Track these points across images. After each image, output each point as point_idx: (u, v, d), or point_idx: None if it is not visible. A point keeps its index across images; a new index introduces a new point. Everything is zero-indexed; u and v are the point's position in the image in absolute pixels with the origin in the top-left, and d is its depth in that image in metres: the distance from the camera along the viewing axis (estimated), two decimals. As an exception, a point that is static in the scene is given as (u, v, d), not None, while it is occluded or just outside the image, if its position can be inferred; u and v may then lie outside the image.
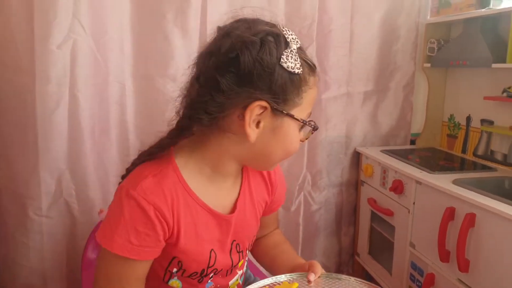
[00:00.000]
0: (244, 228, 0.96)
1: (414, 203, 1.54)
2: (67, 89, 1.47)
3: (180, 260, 0.88)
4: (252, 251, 1.12)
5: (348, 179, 2.02)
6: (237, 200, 0.94)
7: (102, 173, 1.59)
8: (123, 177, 0.90)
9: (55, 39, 1.42)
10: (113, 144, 1.60)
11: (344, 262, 2.09)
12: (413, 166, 1.61)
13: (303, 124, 0.85)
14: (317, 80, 0.88)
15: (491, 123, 1.73)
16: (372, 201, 1.83)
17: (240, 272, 1.02)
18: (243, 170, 0.97)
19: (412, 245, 1.56)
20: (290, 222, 1.92)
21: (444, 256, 1.35)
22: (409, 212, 1.56)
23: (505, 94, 1.57)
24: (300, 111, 0.83)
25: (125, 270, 0.84)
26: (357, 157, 2.00)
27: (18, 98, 1.45)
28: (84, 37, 1.47)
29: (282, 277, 0.91)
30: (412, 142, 2.07)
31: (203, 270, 0.92)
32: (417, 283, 1.53)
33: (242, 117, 0.79)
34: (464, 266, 1.27)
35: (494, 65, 1.54)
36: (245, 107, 0.79)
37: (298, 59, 0.81)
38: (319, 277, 0.91)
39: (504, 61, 1.49)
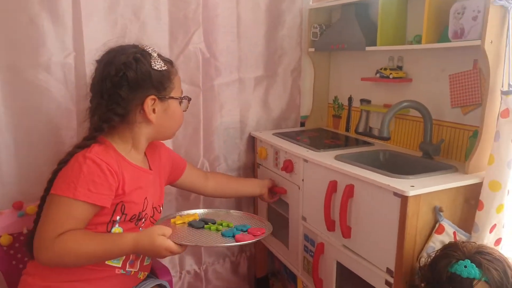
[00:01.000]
0: (156, 189, 1.41)
1: (303, 180, 1.63)
2: None
3: (124, 204, 1.23)
4: (214, 194, 1.75)
5: (245, 163, 2.07)
6: (149, 167, 1.39)
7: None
8: (54, 172, 1.22)
9: None
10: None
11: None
12: (302, 146, 1.70)
13: (181, 99, 1.35)
14: (177, 68, 1.35)
15: (368, 102, 1.88)
16: (267, 182, 1.90)
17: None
18: (145, 152, 1.39)
19: (304, 218, 1.66)
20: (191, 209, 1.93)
21: (330, 225, 1.45)
22: (299, 188, 1.66)
23: (378, 75, 1.72)
24: (175, 92, 1.32)
25: (78, 212, 1.14)
26: (252, 141, 2.06)
27: None
28: None
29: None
30: (302, 124, 2.18)
31: (140, 213, 1.28)
32: (310, 253, 1.63)
33: (142, 111, 1.24)
34: (346, 232, 1.38)
35: (367, 48, 1.66)
36: (142, 103, 1.24)
37: (161, 61, 1.27)
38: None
39: (375, 44, 1.63)
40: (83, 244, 1.14)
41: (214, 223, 1.42)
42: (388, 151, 1.64)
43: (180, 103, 1.35)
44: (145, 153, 1.40)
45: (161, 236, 1.20)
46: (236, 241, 1.31)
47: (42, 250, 1.12)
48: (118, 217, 1.23)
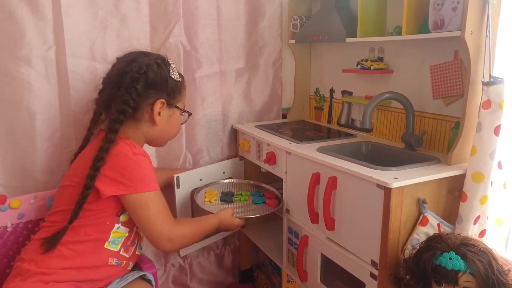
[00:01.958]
0: None
1: (286, 172, 1.63)
2: None
3: None
4: None
5: (228, 155, 2.06)
6: None
7: None
8: (98, 157, 1.26)
9: None
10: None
11: (232, 234, 2.15)
12: (284, 138, 1.70)
13: (184, 112, 1.48)
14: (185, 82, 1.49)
15: (350, 93, 1.88)
16: (250, 175, 1.90)
17: None
18: None
19: (288, 211, 1.65)
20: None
21: (314, 218, 1.45)
22: (282, 181, 1.66)
23: (359, 67, 1.72)
24: (181, 104, 1.46)
25: (163, 198, 1.35)
26: (234, 134, 2.05)
27: None
28: None
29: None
30: (284, 116, 2.18)
31: None
32: (294, 246, 1.63)
33: (151, 111, 1.36)
34: (330, 225, 1.38)
35: (348, 40, 1.66)
36: (152, 104, 1.35)
37: (177, 73, 1.42)
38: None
39: (355, 36, 1.62)
40: (192, 227, 1.44)
41: (233, 195, 1.75)
42: (370, 142, 1.64)
43: (182, 115, 1.47)
44: None
45: (233, 215, 1.56)
46: (270, 206, 1.66)
47: (166, 242, 1.33)
48: None
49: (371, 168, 1.26)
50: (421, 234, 1.20)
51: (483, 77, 1.21)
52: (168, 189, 1.72)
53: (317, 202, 1.45)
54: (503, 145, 1.20)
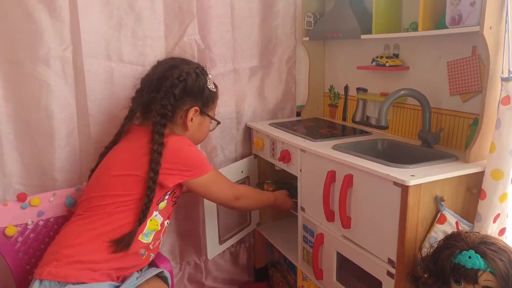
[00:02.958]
0: None
1: (301, 170, 1.62)
2: None
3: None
4: None
5: (242, 153, 2.06)
6: None
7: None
8: (157, 151, 1.33)
9: None
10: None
11: (247, 234, 2.15)
12: (298, 136, 1.69)
13: (213, 120, 1.56)
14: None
15: (365, 91, 1.86)
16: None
17: None
18: None
19: (303, 209, 1.65)
20: (191, 199, 1.92)
21: (330, 216, 1.44)
22: (297, 179, 1.65)
23: (374, 63, 1.70)
24: (212, 113, 1.54)
25: (218, 171, 1.62)
26: (248, 132, 2.05)
27: None
28: None
29: None
30: (298, 114, 2.17)
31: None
32: (310, 244, 1.63)
33: (184, 117, 1.44)
34: (346, 223, 1.37)
35: (363, 36, 1.65)
36: (186, 110, 1.43)
37: (213, 83, 1.50)
38: None
39: (370, 32, 1.61)
40: (253, 190, 1.72)
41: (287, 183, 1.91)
42: (386, 140, 1.62)
43: (211, 122, 1.56)
44: None
45: (287, 196, 1.75)
46: None
47: (234, 201, 1.54)
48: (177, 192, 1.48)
49: (388, 165, 1.25)
50: (439, 232, 1.19)
51: (502, 73, 1.20)
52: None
53: (332, 200, 1.44)
54: (523, 141, 1.18)
